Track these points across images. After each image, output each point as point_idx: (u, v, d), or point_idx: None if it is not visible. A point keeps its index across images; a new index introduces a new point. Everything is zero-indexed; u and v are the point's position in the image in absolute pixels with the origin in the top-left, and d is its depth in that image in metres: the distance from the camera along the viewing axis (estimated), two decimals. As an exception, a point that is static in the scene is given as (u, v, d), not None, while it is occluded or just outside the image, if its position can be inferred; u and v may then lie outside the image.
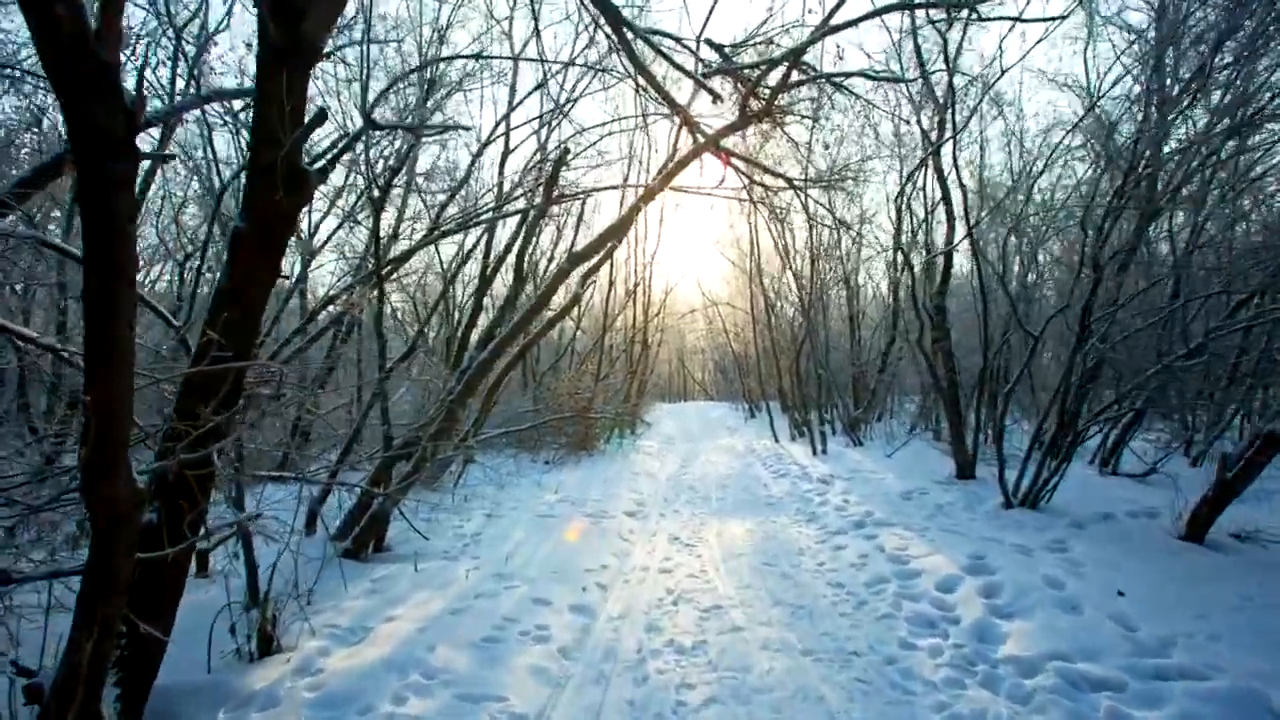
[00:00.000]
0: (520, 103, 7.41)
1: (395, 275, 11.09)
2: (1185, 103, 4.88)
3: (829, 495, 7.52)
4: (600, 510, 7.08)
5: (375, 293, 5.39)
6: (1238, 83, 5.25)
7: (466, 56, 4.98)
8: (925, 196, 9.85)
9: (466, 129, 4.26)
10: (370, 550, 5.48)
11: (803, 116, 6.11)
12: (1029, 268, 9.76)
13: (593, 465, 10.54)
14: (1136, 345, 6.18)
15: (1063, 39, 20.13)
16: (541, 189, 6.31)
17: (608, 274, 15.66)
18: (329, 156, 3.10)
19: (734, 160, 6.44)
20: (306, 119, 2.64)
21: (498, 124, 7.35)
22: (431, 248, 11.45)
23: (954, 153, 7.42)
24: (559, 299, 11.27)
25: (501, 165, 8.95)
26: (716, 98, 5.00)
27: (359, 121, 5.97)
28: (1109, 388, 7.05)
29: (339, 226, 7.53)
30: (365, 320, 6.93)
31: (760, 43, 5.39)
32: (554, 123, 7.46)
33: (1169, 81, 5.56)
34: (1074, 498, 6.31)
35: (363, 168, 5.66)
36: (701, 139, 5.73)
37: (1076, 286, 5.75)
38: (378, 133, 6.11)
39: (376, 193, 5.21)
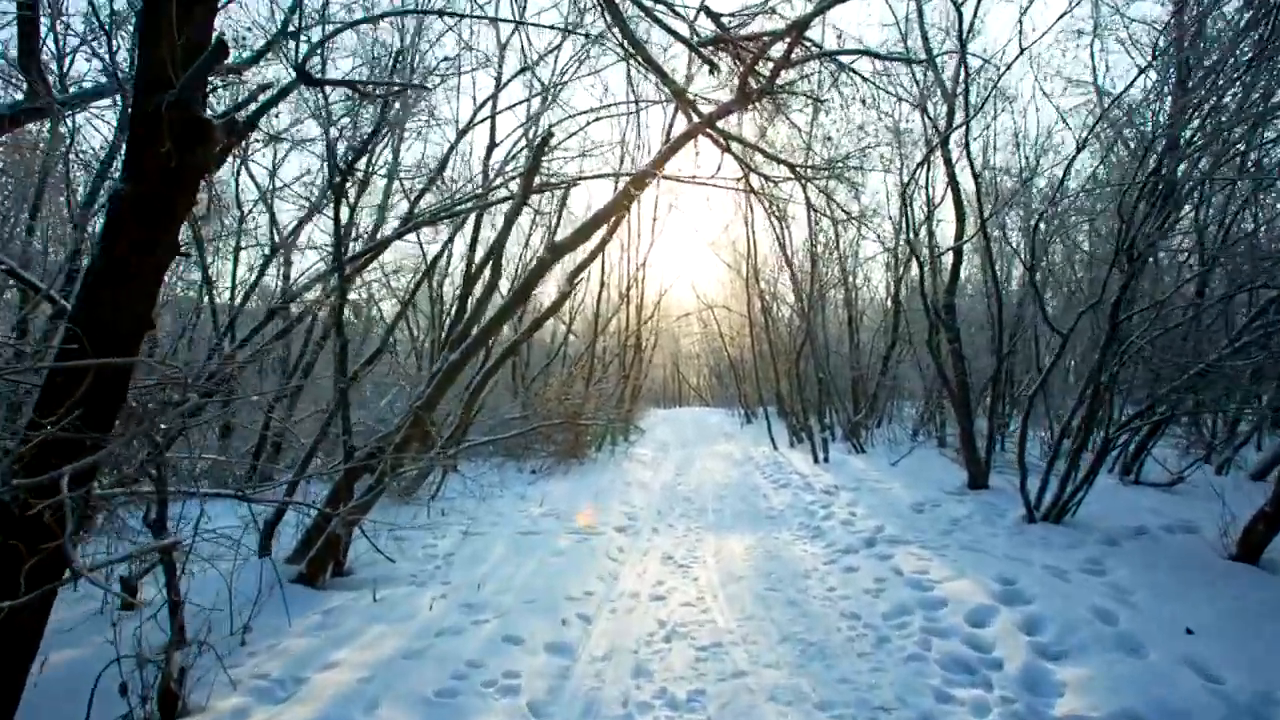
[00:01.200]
0: (506, 84, 6.92)
1: (384, 277, 10.58)
2: (1237, 75, 4.42)
3: (834, 507, 7.00)
4: (588, 525, 6.54)
5: (337, 289, 4.85)
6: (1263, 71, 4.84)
7: (432, 12, 4.42)
8: (926, 194, 9.37)
9: (424, 89, 3.72)
10: (329, 574, 4.92)
11: (805, 96, 5.63)
12: (1039, 265, 9.29)
13: (583, 475, 9.98)
14: (1167, 345, 5.72)
15: (1066, 34, 19.82)
16: (523, 178, 5.80)
17: (599, 276, 15.21)
18: (249, 111, 2.56)
19: (732, 145, 5.95)
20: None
21: (479, 108, 6.84)
22: (419, 249, 10.92)
23: (965, 140, 6.96)
24: (547, 298, 10.75)
25: (486, 157, 8.44)
26: (714, 68, 4.52)
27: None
28: (1121, 390, 6.58)
29: (305, 218, 6.97)
30: (348, 318, 6.40)
31: (763, 13, 4.93)
32: (545, 99, 6.89)
33: (1193, 69, 5.15)
34: (1099, 510, 5.81)
35: (328, 151, 5.12)
36: (698, 119, 5.24)
37: (1106, 280, 5.28)
38: (342, 116, 5.60)
39: (337, 177, 4.67)
